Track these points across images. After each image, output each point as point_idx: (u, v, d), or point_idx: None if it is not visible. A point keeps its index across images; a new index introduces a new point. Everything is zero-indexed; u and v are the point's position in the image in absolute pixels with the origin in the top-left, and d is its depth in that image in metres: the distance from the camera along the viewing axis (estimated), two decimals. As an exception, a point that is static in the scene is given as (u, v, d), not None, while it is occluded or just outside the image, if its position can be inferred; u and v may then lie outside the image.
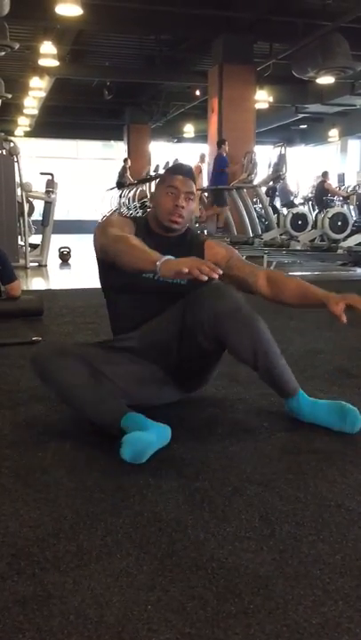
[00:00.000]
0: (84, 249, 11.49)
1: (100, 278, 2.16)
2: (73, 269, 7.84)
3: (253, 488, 1.53)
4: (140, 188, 14.23)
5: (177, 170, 2.04)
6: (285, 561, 1.21)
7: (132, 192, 14.55)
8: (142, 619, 1.04)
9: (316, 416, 1.92)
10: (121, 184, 15.31)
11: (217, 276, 1.54)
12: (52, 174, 7.75)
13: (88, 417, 1.83)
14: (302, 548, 1.26)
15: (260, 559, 1.22)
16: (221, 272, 1.58)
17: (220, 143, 10.28)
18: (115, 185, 15.63)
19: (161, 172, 12.66)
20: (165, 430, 1.76)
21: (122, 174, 15.42)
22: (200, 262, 1.55)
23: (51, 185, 7.66)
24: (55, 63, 10.80)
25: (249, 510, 1.42)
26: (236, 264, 2.04)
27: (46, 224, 7.70)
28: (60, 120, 17.43)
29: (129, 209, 14.46)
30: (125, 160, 15.76)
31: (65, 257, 8.30)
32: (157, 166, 13.36)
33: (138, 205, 13.63)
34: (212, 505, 1.44)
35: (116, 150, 19.57)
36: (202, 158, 11.41)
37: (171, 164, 2.16)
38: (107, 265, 1.96)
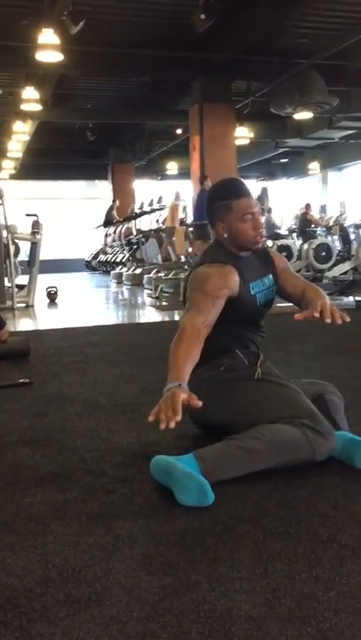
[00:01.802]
0: (70, 288, 11.57)
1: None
2: (60, 309, 7.84)
3: (244, 525, 1.51)
4: (125, 226, 14.39)
5: (241, 192, 2.01)
6: (278, 600, 1.19)
7: (118, 229, 14.70)
8: (133, 668, 1.01)
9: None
10: (108, 222, 15.48)
11: (173, 425, 1.54)
12: (36, 215, 7.82)
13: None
14: (295, 586, 1.24)
15: (253, 600, 1.20)
16: (167, 426, 1.55)
17: (203, 179, 10.44)
18: (101, 223, 15.80)
19: (146, 209, 12.83)
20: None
21: (109, 212, 15.61)
22: (169, 407, 1.56)
23: (36, 226, 7.72)
24: (38, 107, 11.00)
25: (241, 549, 1.40)
26: (285, 277, 2.14)
27: (32, 265, 7.73)
28: (44, 162, 17.66)
29: (113, 247, 14.59)
30: (114, 200, 15.98)
31: (52, 296, 8.31)
32: (142, 204, 13.53)
33: (124, 243, 13.76)
34: (203, 545, 1.42)
35: (101, 189, 19.81)
36: (177, 196, 11.56)
37: (223, 186, 2.10)
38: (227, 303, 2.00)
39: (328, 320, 1.81)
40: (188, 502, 1.59)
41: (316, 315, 1.81)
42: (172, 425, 1.54)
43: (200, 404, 1.60)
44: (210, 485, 1.61)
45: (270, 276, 2.12)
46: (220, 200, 2.02)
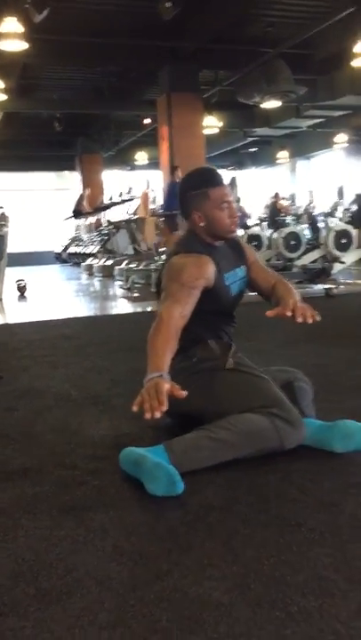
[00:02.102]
0: (41, 281, 11.45)
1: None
2: (30, 302, 7.76)
3: (215, 514, 1.52)
4: (96, 217, 14.27)
5: (217, 180, 2.01)
6: (248, 586, 1.21)
7: (88, 221, 14.58)
8: (104, 658, 1.02)
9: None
10: (77, 213, 15.34)
11: (159, 415, 1.54)
12: (2, 207, 7.71)
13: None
14: (265, 571, 1.26)
15: (224, 586, 1.21)
16: (162, 412, 1.56)
17: (173, 169, 10.41)
18: (71, 214, 15.65)
19: (116, 199, 12.74)
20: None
21: (79, 203, 15.45)
22: (153, 397, 1.56)
23: (2, 218, 7.62)
24: (3, 97, 10.80)
25: (212, 537, 1.41)
26: (255, 269, 2.18)
27: (0, 257, 7.63)
28: (11, 154, 17.37)
29: (83, 238, 14.48)
30: (84, 190, 15.81)
31: (22, 290, 8.22)
32: (112, 195, 13.43)
33: (95, 234, 13.67)
34: (173, 534, 1.43)
35: (70, 180, 19.59)
36: (147, 185, 11.51)
37: (203, 174, 2.04)
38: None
39: (299, 319, 1.85)
40: (158, 492, 1.60)
41: (289, 313, 1.84)
42: (158, 415, 1.54)
43: (184, 393, 1.61)
44: (179, 475, 1.62)
45: (243, 267, 2.14)
46: (195, 189, 2.01)
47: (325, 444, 1.86)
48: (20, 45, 8.03)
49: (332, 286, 6.54)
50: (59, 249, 17.40)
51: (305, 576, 1.23)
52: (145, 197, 11.09)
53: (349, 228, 7.91)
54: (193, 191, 2.01)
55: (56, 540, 1.42)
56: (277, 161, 18.00)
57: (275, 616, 1.11)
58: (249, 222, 12.27)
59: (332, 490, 1.62)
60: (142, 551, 1.36)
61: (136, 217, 11.32)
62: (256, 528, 1.44)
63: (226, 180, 2.06)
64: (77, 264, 14.44)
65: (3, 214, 7.63)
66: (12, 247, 8.24)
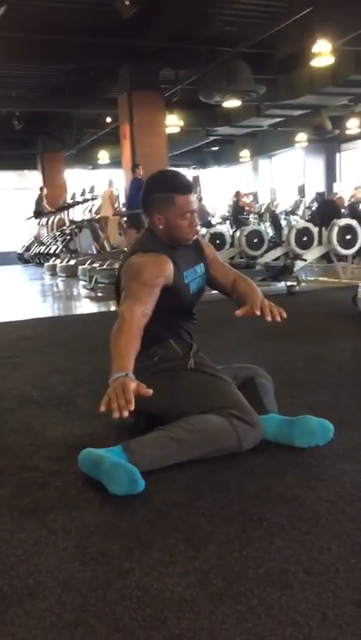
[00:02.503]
0: (2, 281, 11.29)
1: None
2: (-8, 303, 7.65)
3: (178, 510, 1.53)
4: (58, 216, 14.13)
5: (184, 188, 1.98)
6: (210, 581, 1.22)
7: (50, 220, 14.43)
8: (66, 659, 1.02)
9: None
10: (38, 212, 15.16)
11: (127, 414, 1.55)
12: None
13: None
14: (226, 565, 1.27)
15: (186, 582, 1.22)
16: (130, 411, 1.56)
17: (135, 167, 10.38)
18: (32, 214, 15.46)
19: (78, 199, 12.64)
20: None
21: (39, 202, 15.28)
22: (120, 396, 1.56)
23: None
24: None
25: (174, 533, 1.42)
26: (215, 266, 2.19)
27: None
28: (-30, 152, 17.09)
29: (46, 238, 14.33)
30: (41, 188, 15.63)
31: (-17, 291, 8.09)
32: (74, 194, 13.32)
33: (57, 233, 13.53)
34: (137, 532, 1.43)
35: (30, 179, 19.34)
36: (110, 184, 11.46)
37: (172, 178, 1.97)
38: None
39: (268, 318, 1.88)
40: (119, 492, 1.60)
41: (258, 312, 1.87)
42: (125, 414, 1.54)
43: (150, 392, 1.61)
44: (140, 473, 1.62)
45: (202, 265, 2.15)
46: (162, 191, 1.98)
47: (287, 440, 1.89)
48: (-23, 42, 7.89)
49: (294, 283, 6.62)
50: (21, 249, 17.17)
51: (266, 569, 1.25)
52: (109, 196, 11.04)
53: (310, 225, 8.02)
54: (159, 193, 1.99)
55: (17, 543, 1.41)
56: (240, 159, 18.13)
57: (236, 610, 1.12)
58: (212, 221, 12.33)
59: (294, 484, 1.64)
60: (104, 550, 1.36)
61: (99, 216, 11.26)
62: (219, 524, 1.45)
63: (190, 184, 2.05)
64: (40, 264, 14.28)
65: None
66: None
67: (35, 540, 1.42)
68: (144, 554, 1.33)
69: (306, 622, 1.07)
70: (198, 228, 2.11)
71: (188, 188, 1.99)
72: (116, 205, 11.24)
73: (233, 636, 1.05)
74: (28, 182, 19.46)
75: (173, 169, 2.24)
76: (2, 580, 1.25)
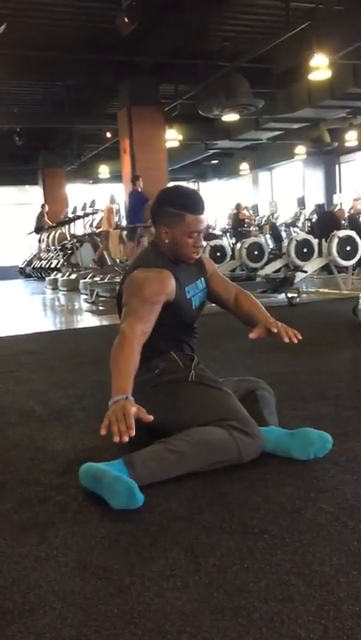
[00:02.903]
0: (4, 295, 11.32)
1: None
2: (-6, 317, 7.66)
3: (178, 524, 1.53)
4: (59, 231, 14.19)
5: (198, 208, 1.98)
6: (211, 594, 1.22)
7: (51, 235, 14.49)
8: (67, 674, 1.01)
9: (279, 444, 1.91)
10: (40, 228, 15.24)
11: (127, 439, 1.56)
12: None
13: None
14: (227, 578, 1.27)
15: (187, 596, 1.22)
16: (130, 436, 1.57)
17: (135, 179, 10.43)
18: (33, 230, 15.53)
19: (79, 213, 12.70)
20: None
21: (40, 219, 15.37)
22: (121, 420, 1.57)
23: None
24: None
25: (174, 547, 1.41)
26: (215, 281, 2.21)
27: None
28: (-29, 168, 17.21)
29: (49, 251, 14.39)
30: (43, 205, 15.75)
31: (-15, 305, 8.11)
32: (75, 208, 13.39)
33: (58, 248, 13.58)
34: (137, 546, 1.43)
35: (32, 195, 19.46)
36: (112, 199, 11.53)
37: (185, 195, 1.93)
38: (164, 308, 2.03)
39: (286, 340, 1.96)
40: (119, 506, 1.60)
41: (274, 330, 1.97)
42: (126, 439, 1.55)
43: (151, 418, 1.62)
44: (139, 487, 1.62)
45: (202, 280, 2.16)
46: (174, 207, 1.97)
47: (286, 452, 1.89)
48: (-22, 60, 7.98)
49: (295, 295, 6.63)
50: (22, 263, 17.23)
51: (267, 582, 1.24)
52: (109, 212, 11.09)
53: (310, 237, 8.04)
54: (171, 208, 1.97)
55: (18, 558, 1.41)
56: (240, 172, 18.23)
57: (237, 623, 1.12)
58: (213, 233, 12.37)
59: (294, 496, 1.64)
60: (105, 565, 1.35)
61: (100, 230, 11.31)
62: (220, 537, 1.45)
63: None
64: (42, 278, 14.33)
65: None
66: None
67: (35, 554, 1.42)
68: (145, 568, 1.33)
69: (307, 635, 1.07)
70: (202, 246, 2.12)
71: (200, 209, 1.99)
72: (116, 219, 11.30)
73: (234, 650, 1.04)
74: (30, 197, 19.58)
75: (191, 188, 2.24)
76: (2, 596, 1.25)
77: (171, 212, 1.98)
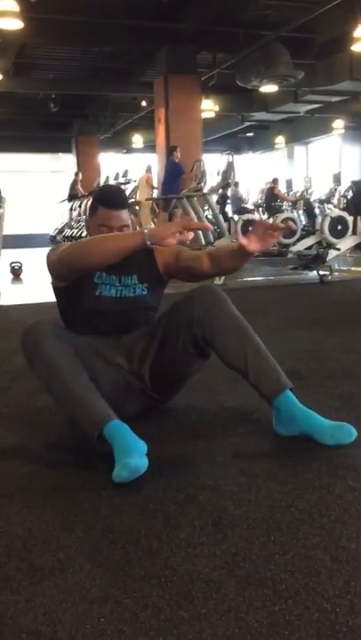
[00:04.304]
0: (35, 263, 11.37)
1: (59, 304, 2.15)
2: (25, 284, 7.74)
3: (206, 494, 1.54)
4: (90, 200, 14.17)
5: (109, 202, 1.98)
6: (237, 564, 1.23)
7: (83, 204, 14.50)
8: (95, 632, 1.04)
9: (306, 422, 1.83)
10: (72, 196, 15.24)
11: (210, 227, 1.60)
12: (-1, 189, 7.66)
13: (69, 412, 1.75)
14: (254, 549, 1.28)
15: (213, 564, 1.23)
16: (211, 226, 1.61)
17: (172, 150, 10.33)
18: (66, 197, 15.55)
19: (112, 182, 12.66)
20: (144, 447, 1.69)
21: (73, 187, 15.36)
22: (185, 221, 1.63)
23: (-2, 199, 7.57)
24: (-1, 77, 10.71)
25: (202, 516, 1.43)
26: (183, 255, 2.06)
27: (-5, 239, 7.60)
28: (6, 134, 17.22)
29: (80, 221, 14.42)
30: (77, 173, 15.73)
31: (16, 272, 8.19)
32: (107, 177, 13.36)
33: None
34: (165, 513, 1.45)
35: (65, 163, 19.45)
36: (148, 169, 11.44)
37: (108, 183, 2.01)
38: (64, 289, 2.02)
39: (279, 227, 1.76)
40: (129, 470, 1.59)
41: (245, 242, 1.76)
42: (210, 226, 1.59)
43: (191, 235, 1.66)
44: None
45: (134, 276, 2.05)
46: (95, 200, 2.04)
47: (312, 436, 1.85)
48: (16, 24, 7.93)
49: (327, 273, 6.54)
50: (53, 231, 17.31)
51: (293, 555, 1.25)
52: (145, 181, 11.03)
53: (345, 214, 7.90)
54: (95, 200, 2.04)
55: (48, 518, 1.44)
56: (275, 146, 17.92)
57: (263, 593, 1.13)
58: (244, 207, 12.24)
59: (323, 473, 1.64)
60: (133, 530, 1.38)
61: (132, 200, 11.26)
62: (247, 508, 1.46)
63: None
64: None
65: (-2, 195, 7.58)
66: (7, 229, 8.19)
67: (65, 516, 1.45)
68: (171, 535, 1.35)
69: (333, 609, 1.07)
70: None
71: (113, 204, 1.98)
72: (150, 191, 11.24)
73: (260, 619, 1.05)
74: (63, 165, 19.57)
75: (117, 185, 2.26)
76: (34, 554, 1.28)
77: (93, 203, 2.04)
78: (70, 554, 1.28)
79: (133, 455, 1.60)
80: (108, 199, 2.00)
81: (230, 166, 10.74)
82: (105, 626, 1.05)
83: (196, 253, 2.07)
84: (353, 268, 7.89)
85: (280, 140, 17.56)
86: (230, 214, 11.48)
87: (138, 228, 11.03)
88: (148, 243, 1.65)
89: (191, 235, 1.63)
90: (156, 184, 11.49)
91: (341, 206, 10.27)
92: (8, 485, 1.63)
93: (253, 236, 1.76)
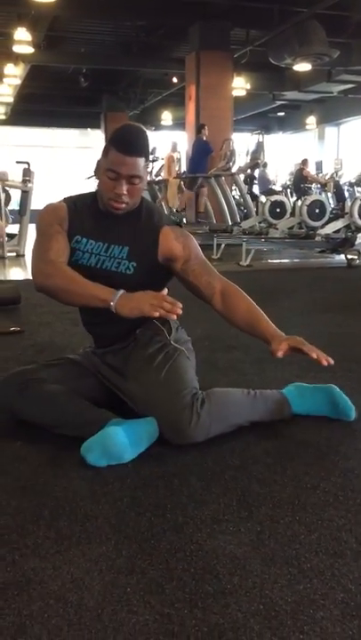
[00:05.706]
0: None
1: None
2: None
3: (232, 472, 1.55)
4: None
5: (122, 145, 1.69)
6: (262, 542, 1.24)
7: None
8: (122, 601, 1.06)
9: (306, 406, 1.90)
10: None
11: (175, 317, 1.55)
12: (28, 163, 7.67)
13: (73, 435, 1.71)
14: (279, 528, 1.29)
15: (238, 540, 1.24)
16: (181, 310, 1.53)
17: (201, 128, 10.23)
18: (93, 173, 15.54)
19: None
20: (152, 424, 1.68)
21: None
22: (159, 299, 1.56)
23: (27, 174, 7.58)
24: (30, 50, 10.64)
25: (227, 494, 1.44)
26: (193, 269, 1.82)
27: (24, 213, 7.63)
28: (36, 108, 17.19)
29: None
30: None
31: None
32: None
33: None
34: (190, 489, 1.46)
35: (93, 138, 19.38)
36: (174, 147, 11.32)
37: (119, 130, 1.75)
38: None
39: (324, 363, 1.70)
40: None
41: (313, 356, 1.69)
42: (180, 311, 1.54)
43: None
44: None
45: (125, 249, 1.80)
46: (109, 139, 1.75)
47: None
48: (49, -4, 7.87)
49: (355, 257, 6.45)
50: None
51: (318, 535, 1.26)
52: (170, 160, 10.95)
53: (376, 198, 7.78)
54: (108, 140, 1.76)
55: (76, 488, 1.46)
56: (306, 126, 17.62)
57: (288, 572, 1.14)
58: (274, 188, 12.09)
59: (348, 455, 1.64)
60: (159, 503, 1.39)
61: (159, 178, 11.21)
62: (272, 488, 1.46)
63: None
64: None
65: (28, 169, 7.59)
66: (35, 203, 8.22)
67: (92, 488, 1.47)
68: (197, 510, 1.36)
69: (358, 589, 1.08)
70: (132, 201, 1.76)
71: (126, 148, 1.69)
72: (177, 168, 11.16)
73: (285, 597, 1.06)
74: (91, 141, 19.51)
75: (138, 126, 1.84)
76: (62, 522, 1.31)
77: (105, 145, 1.77)
78: (97, 524, 1.30)
79: (104, 456, 1.58)
80: (123, 141, 1.71)
81: (260, 146, 10.63)
82: (131, 596, 1.07)
83: (211, 281, 1.84)
84: (381, 253, 7.78)
85: (311, 120, 17.25)
86: (258, 195, 11.37)
87: (163, 205, 10.92)
88: (112, 306, 1.60)
89: (173, 316, 1.56)
90: (183, 161, 11.41)
91: (372, 190, 10.10)
92: (36, 456, 1.65)
93: (289, 350, 1.71)
